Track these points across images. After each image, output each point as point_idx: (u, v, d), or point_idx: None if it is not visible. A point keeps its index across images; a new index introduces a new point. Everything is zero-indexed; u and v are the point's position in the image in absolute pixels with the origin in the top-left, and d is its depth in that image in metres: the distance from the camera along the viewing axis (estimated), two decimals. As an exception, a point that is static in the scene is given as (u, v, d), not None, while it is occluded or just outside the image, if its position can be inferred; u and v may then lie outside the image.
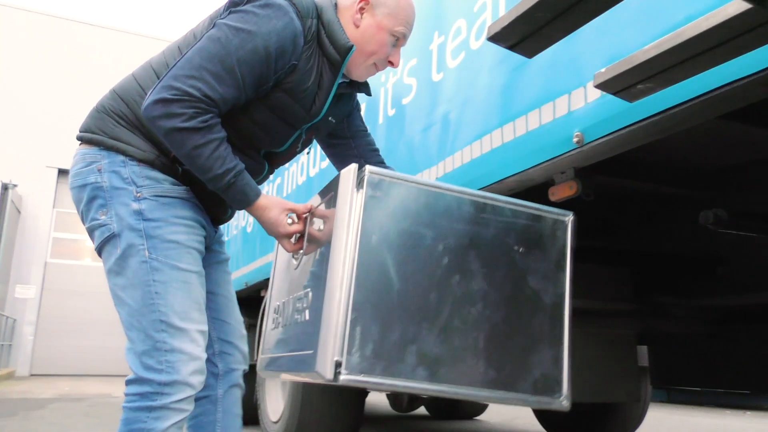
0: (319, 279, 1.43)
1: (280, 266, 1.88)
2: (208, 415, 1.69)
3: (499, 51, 1.90)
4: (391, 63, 1.71)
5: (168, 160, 1.57)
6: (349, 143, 1.93)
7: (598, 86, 1.29)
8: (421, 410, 6.08)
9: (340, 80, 1.70)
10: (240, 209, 1.64)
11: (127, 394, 1.49)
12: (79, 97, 13.57)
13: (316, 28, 1.60)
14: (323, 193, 1.61)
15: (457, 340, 1.37)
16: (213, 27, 1.53)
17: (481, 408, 5.94)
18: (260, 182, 1.76)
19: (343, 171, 1.43)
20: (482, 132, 2.05)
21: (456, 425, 5.48)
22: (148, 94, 1.46)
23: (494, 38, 1.19)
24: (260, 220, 1.60)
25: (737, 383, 2.61)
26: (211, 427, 1.69)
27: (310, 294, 1.47)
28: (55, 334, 14.36)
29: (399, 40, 1.68)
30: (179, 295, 1.51)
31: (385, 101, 2.74)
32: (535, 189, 1.92)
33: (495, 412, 6.42)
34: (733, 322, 2.68)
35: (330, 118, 1.79)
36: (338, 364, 1.26)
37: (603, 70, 1.27)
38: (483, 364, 1.39)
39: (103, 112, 1.61)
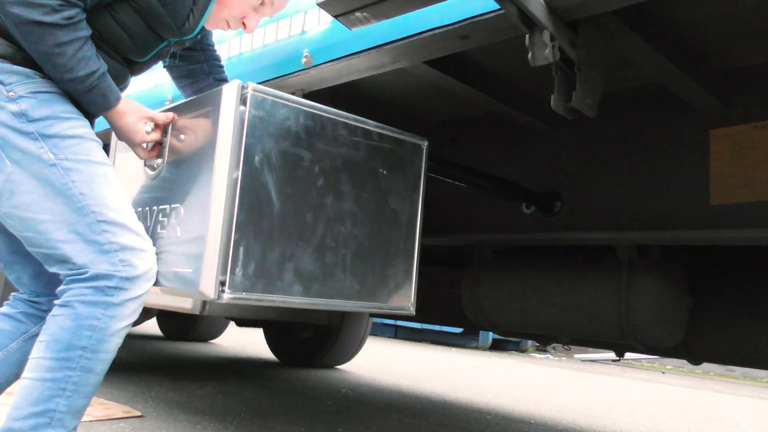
0: (189, 194, 1.40)
1: (123, 171, 1.70)
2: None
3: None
4: (244, 25, 1.58)
5: (29, 54, 1.33)
6: (198, 56, 1.77)
7: (321, 5, 1.30)
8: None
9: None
10: (96, 114, 1.45)
11: (74, 289, 1.29)
12: None
13: None
14: (192, 106, 1.49)
15: (329, 257, 1.46)
16: None
17: (217, 332, 5.97)
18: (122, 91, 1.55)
19: (225, 87, 1.38)
20: (219, 39, 1.96)
21: (187, 347, 5.45)
22: None
23: (324, 5, 1.24)
24: (116, 125, 1.46)
25: (453, 322, 2.93)
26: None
27: (182, 210, 1.42)
28: None
29: (263, 5, 1.55)
30: (105, 189, 1.34)
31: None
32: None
33: (230, 338, 6.51)
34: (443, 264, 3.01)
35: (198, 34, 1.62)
36: (222, 284, 1.29)
37: (327, -11, 1.27)
38: (349, 278, 1.49)
39: None
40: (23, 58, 1.35)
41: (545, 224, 2.09)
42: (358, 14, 1.33)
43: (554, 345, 9.72)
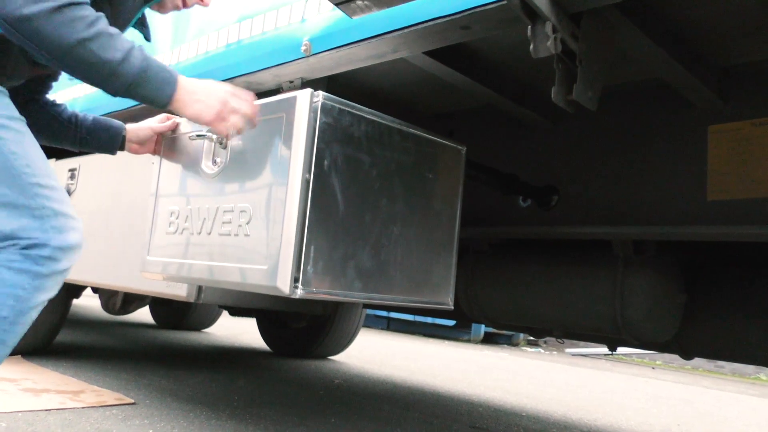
0: (259, 194, 1.46)
1: (175, 167, 1.73)
2: None
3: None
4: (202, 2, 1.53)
5: None
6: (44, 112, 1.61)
7: (322, -8, 1.29)
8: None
9: (147, 6, 1.47)
10: (163, 102, 1.30)
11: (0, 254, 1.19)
12: None
13: None
14: (260, 110, 1.51)
15: (383, 255, 1.54)
16: None
17: (210, 321, 5.96)
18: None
19: (299, 94, 1.44)
20: (220, 25, 1.95)
21: (185, 336, 5.44)
22: None
23: None
24: (188, 107, 1.32)
25: (446, 314, 2.94)
26: None
27: (251, 209, 1.48)
28: None
29: None
30: (34, 150, 1.24)
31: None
32: (264, 95, 1.89)
33: (223, 326, 6.51)
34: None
35: None
36: (296, 280, 1.36)
37: (329, -24, 1.26)
38: (400, 274, 1.58)
39: None
40: None
41: (542, 218, 2.09)
42: (359, 2, 1.32)
43: (546, 339, 9.78)
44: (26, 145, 1.23)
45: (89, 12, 1.16)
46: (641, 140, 1.90)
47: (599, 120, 1.98)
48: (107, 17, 1.24)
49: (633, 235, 1.88)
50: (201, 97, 1.34)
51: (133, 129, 1.69)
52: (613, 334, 2.08)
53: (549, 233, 2.06)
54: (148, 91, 1.25)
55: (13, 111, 1.27)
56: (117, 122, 1.70)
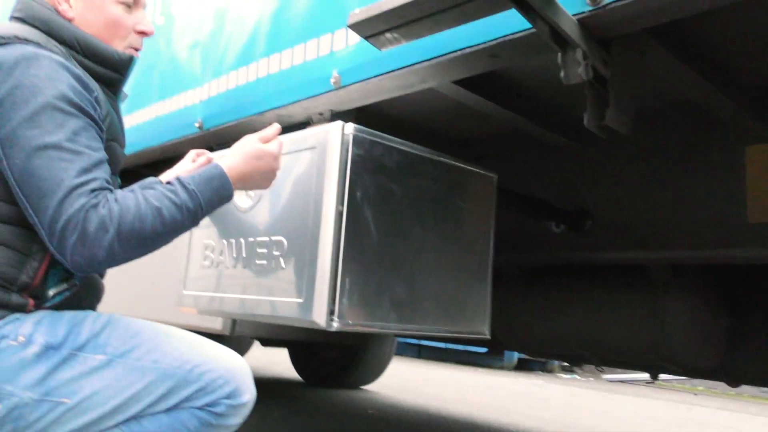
0: (292, 227, 1.47)
1: None
2: None
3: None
4: (143, 33, 1.39)
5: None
6: None
7: (351, 26, 1.31)
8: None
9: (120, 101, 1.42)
10: (231, 197, 1.30)
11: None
12: None
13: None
14: (291, 143, 1.53)
15: (417, 286, 1.53)
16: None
17: (242, 352, 5.97)
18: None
19: (330, 127, 1.46)
20: (249, 59, 1.99)
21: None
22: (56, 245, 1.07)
23: (354, 27, 1.23)
24: (251, 179, 1.33)
25: (479, 341, 2.91)
26: None
27: (285, 242, 1.48)
28: None
29: (132, 2, 1.35)
30: (169, 341, 1.23)
31: (154, 6, 2.52)
32: (293, 128, 1.92)
33: (254, 357, 6.51)
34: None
35: None
36: (331, 312, 1.35)
37: (357, 10, 1.28)
38: (434, 304, 1.56)
39: None
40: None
41: (575, 243, 2.06)
42: (388, 35, 1.33)
43: (582, 365, 9.55)
44: (158, 344, 1.21)
45: (131, 205, 1.11)
46: (677, 161, 1.87)
47: (630, 141, 1.95)
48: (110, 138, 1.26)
49: (672, 259, 1.83)
50: (248, 168, 1.32)
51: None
52: (653, 362, 2.02)
53: (584, 259, 2.02)
54: (217, 203, 1.25)
55: (129, 325, 1.24)
56: (150, 180, 1.60)
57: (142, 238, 1.11)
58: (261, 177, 1.35)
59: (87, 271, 1.14)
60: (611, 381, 8.50)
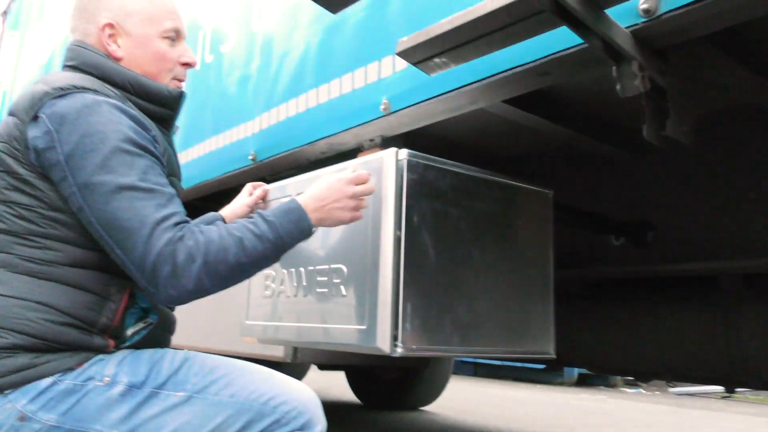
0: (352, 254, 1.48)
1: None
2: None
3: (317, 8, 1.89)
4: (187, 65, 1.43)
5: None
6: None
7: (400, 54, 1.32)
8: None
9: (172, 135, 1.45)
10: (311, 233, 1.32)
11: None
12: None
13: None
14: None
15: (479, 307, 1.52)
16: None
17: (299, 376, 6.01)
18: None
19: (384, 154, 1.48)
20: (299, 90, 2.03)
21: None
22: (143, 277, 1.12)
23: (403, 54, 1.25)
24: (328, 210, 1.32)
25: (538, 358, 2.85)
26: None
27: (345, 269, 1.50)
28: None
29: (175, 36, 1.39)
30: (243, 376, 1.26)
31: (203, 46, 2.61)
32: (344, 155, 1.95)
33: (312, 380, 6.54)
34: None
35: None
36: (395, 338, 1.36)
37: (405, 38, 1.29)
38: (497, 325, 1.56)
39: None
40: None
41: (636, 256, 2.00)
42: (436, 60, 1.34)
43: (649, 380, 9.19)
44: (236, 378, 1.23)
45: (214, 237, 1.15)
46: (742, 167, 1.80)
47: (693, 149, 1.89)
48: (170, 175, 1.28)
49: (743, 268, 1.76)
50: (329, 203, 1.33)
51: (229, 214, 1.68)
52: (727, 375, 1.93)
53: (649, 272, 1.96)
54: (298, 234, 1.27)
55: (203, 363, 1.26)
56: (212, 215, 1.66)
57: (227, 269, 1.15)
58: (335, 203, 1.32)
59: (177, 303, 1.18)
60: (679, 395, 8.15)
